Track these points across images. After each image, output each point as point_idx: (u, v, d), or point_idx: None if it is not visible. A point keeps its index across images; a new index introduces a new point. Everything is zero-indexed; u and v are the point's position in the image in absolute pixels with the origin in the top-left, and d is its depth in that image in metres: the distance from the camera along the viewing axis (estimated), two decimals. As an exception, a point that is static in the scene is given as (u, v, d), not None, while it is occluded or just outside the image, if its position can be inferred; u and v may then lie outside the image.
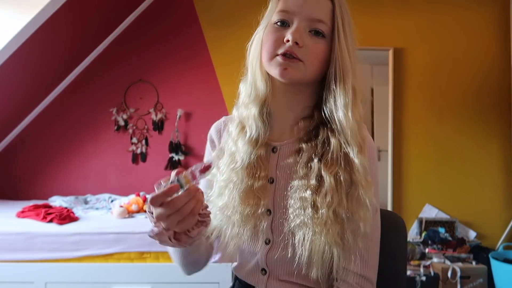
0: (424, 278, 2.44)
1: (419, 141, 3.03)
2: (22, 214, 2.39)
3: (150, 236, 0.66)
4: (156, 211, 0.62)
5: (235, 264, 0.92)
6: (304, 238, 0.72)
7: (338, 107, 0.74)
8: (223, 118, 0.93)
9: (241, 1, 3.09)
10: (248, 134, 0.81)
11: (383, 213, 0.86)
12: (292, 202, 0.75)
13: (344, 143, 0.73)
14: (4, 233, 2.14)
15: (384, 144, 3.07)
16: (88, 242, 2.13)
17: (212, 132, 0.92)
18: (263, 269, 0.83)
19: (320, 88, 0.80)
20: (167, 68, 3.18)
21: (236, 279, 0.93)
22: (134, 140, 3.18)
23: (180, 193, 0.61)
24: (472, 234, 2.93)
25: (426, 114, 3.03)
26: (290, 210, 0.75)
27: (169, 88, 3.18)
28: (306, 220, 0.72)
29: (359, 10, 3.15)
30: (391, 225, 0.91)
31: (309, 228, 0.71)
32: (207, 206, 0.71)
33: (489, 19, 3.02)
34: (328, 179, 0.72)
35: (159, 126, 3.17)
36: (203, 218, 0.69)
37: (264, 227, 0.79)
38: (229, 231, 0.78)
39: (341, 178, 0.72)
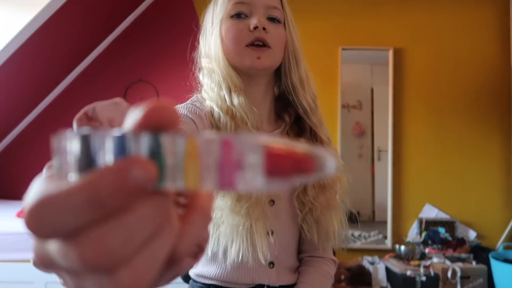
0: (424, 278, 2.44)
1: (419, 141, 3.03)
2: (22, 214, 2.39)
3: None
4: None
5: (209, 270, 0.82)
6: (307, 219, 0.78)
7: (300, 92, 0.78)
8: (190, 102, 0.84)
9: (241, 1, 3.09)
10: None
11: None
12: (311, 191, 0.80)
13: (314, 127, 0.80)
14: (4, 233, 2.14)
15: (384, 144, 3.07)
16: (88, 242, 2.13)
17: (190, 114, 0.77)
18: (271, 263, 0.81)
19: (276, 74, 0.81)
20: (167, 68, 3.18)
21: None
22: (134, 140, 3.17)
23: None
24: (472, 234, 2.93)
25: (426, 114, 3.03)
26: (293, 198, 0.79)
27: (169, 88, 3.18)
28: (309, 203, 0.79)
29: (359, 10, 3.16)
30: None
31: (311, 209, 0.79)
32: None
33: (489, 19, 3.02)
34: None
35: (159, 126, 3.17)
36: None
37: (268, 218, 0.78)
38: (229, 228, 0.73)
39: None
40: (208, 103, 0.80)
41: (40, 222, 0.18)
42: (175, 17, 3.18)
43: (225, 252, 0.74)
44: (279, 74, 0.81)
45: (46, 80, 3.05)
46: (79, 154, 0.20)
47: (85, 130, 0.20)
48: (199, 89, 0.87)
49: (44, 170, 0.23)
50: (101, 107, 0.25)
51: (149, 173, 0.18)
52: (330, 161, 0.19)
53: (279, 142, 0.19)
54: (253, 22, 0.73)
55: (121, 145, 0.19)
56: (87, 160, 0.19)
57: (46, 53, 2.79)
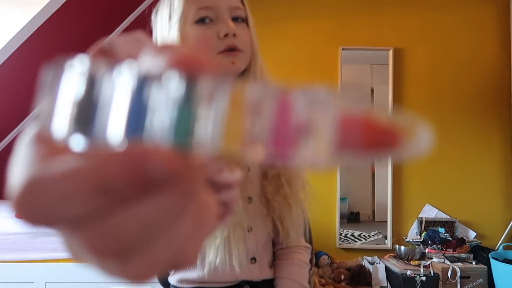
0: (424, 278, 2.44)
1: (419, 141, 3.03)
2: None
3: None
4: None
5: (190, 274, 0.81)
6: (282, 213, 0.82)
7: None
8: None
9: (241, 1, 3.09)
10: None
11: None
12: (270, 188, 0.82)
13: None
14: (4, 233, 2.14)
15: (384, 144, 3.06)
16: (88, 242, 2.13)
17: None
18: (253, 258, 0.84)
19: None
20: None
21: None
22: (134, 140, 3.17)
23: None
24: (472, 234, 2.93)
25: (426, 114, 3.02)
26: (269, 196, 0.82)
27: (169, 88, 3.18)
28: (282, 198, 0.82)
29: (359, 10, 3.16)
30: None
31: (286, 204, 0.82)
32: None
33: (489, 19, 3.02)
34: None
35: (159, 126, 3.17)
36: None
37: (248, 214, 0.82)
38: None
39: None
40: None
41: (33, 209, 0.14)
42: (175, 17, 3.18)
43: (203, 256, 0.77)
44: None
45: (46, 80, 3.05)
46: (82, 99, 0.15)
47: (97, 65, 0.16)
48: None
49: (32, 124, 0.18)
50: (121, 41, 0.20)
51: (171, 166, 0.14)
52: (422, 136, 0.15)
53: (355, 106, 0.15)
54: (223, 29, 0.70)
55: (141, 89, 0.14)
56: (92, 110, 0.15)
57: (46, 52, 2.79)
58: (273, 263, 0.90)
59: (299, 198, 0.85)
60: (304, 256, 0.90)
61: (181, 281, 0.83)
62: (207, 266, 0.77)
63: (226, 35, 0.70)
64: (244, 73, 0.78)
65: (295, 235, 0.86)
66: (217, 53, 0.71)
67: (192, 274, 0.82)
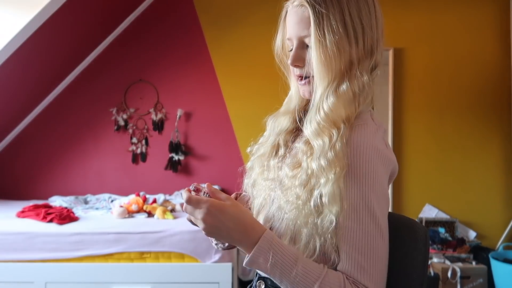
0: (424, 278, 2.44)
1: (419, 141, 3.03)
2: (22, 214, 2.39)
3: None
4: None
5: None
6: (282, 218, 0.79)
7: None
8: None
9: (241, 1, 3.09)
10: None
11: (396, 218, 0.79)
12: (264, 183, 0.87)
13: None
14: (4, 233, 2.14)
15: (384, 144, 3.06)
16: (88, 242, 2.13)
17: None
18: None
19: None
20: (167, 68, 3.18)
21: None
22: (134, 140, 3.18)
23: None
24: (472, 234, 2.93)
25: (426, 114, 3.03)
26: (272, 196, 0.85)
27: (169, 88, 3.18)
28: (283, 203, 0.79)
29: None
30: (406, 234, 0.78)
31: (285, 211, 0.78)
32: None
33: (489, 19, 3.02)
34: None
35: (159, 126, 3.17)
36: None
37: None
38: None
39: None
40: None
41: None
42: (175, 17, 3.18)
43: None
44: None
45: (46, 80, 3.05)
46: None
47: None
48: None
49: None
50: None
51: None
52: None
53: None
54: (289, 60, 0.82)
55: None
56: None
57: (46, 53, 2.79)
58: None
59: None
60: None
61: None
62: None
63: (290, 63, 0.82)
64: None
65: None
66: (294, 76, 0.84)
67: None
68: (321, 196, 0.71)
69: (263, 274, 0.79)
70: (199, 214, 0.70)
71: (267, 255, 0.68)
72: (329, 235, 0.70)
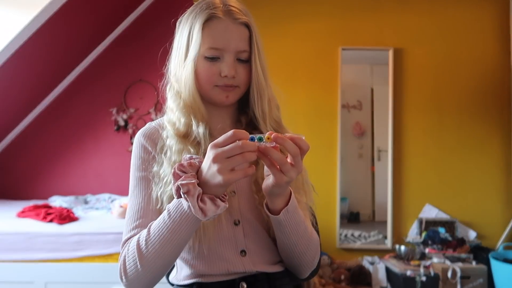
0: (424, 278, 2.44)
1: (419, 141, 3.03)
2: (22, 214, 2.39)
3: (178, 188, 0.67)
4: (218, 150, 0.66)
5: (185, 271, 0.88)
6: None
7: (260, 117, 0.90)
8: (153, 124, 0.96)
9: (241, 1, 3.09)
10: (194, 142, 0.87)
11: None
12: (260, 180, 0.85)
13: None
14: (4, 233, 2.14)
15: (384, 144, 3.07)
16: (88, 242, 2.13)
17: (144, 139, 0.92)
18: (242, 251, 0.85)
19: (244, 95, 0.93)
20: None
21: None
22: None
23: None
24: (472, 234, 2.93)
25: (426, 114, 3.03)
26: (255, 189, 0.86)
27: (169, 88, 3.18)
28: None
29: (359, 10, 3.15)
30: None
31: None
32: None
33: (489, 19, 3.02)
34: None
35: (159, 126, 3.17)
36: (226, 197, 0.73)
37: (232, 207, 0.85)
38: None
39: None
40: (165, 123, 0.92)
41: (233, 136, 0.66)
42: (175, 17, 3.18)
43: (195, 250, 0.85)
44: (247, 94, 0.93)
45: (46, 80, 3.05)
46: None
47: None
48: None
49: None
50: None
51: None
52: None
53: None
54: (224, 70, 0.84)
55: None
56: None
57: (47, 53, 2.79)
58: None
59: (298, 185, 0.87)
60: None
61: (178, 279, 0.89)
62: (201, 259, 0.85)
63: (225, 76, 0.84)
64: (247, 102, 0.93)
65: None
66: (214, 85, 0.86)
67: (186, 271, 0.87)
68: None
69: (252, 271, 0.84)
70: (299, 164, 0.70)
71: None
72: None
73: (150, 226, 0.76)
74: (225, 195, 0.71)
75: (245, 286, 0.83)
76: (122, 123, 3.17)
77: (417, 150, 3.03)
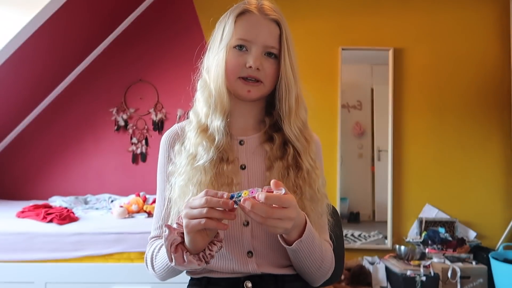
0: (424, 278, 2.44)
1: (419, 141, 3.03)
2: (22, 214, 2.39)
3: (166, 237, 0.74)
4: (204, 199, 0.69)
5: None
6: None
7: (286, 122, 0.90)
8: (175, 127, 0.98)
9: (241, 1, 3.09)
10: (211, 136, 0.89)
11: None
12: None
13: (296, 150, 0.90)
14: (4, 233, 2.14)
15: (384, 144, 3.07)
16: (88, 242, 2.13)
17: (165, 142, 0.97)
18: (249, 252, 0.86)
19: (271, 94, 0.93)
20: (167, 68, 3.18)
21: (207, 282, 0.89)
22: (134, 140, 3.18)
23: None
24: (472, 234, 2.93)
25: (426, 114, 3.03)
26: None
27: (169, 88, 3.18)
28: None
29: (359, 10, 3.15)
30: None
31: None
32: (221, 240, 0.78)
33: (489, 19, 3.02)
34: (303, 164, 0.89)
35: (159, 126, 3.17)
36: (217, 240, 0.77)
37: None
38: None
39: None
40: (190, 115, 0.95)
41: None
42: (175, 17, 3.18)
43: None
44: (273, 92, 0.94)
45: (46, 80, 3.05)
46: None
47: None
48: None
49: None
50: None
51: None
52: None
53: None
54: (250, 61, 0.86)
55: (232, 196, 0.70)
56: None
57: (46, 53, 2.79)
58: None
59: (312, 195, 0.87)
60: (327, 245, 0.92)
61: (189, 273, 0.93)
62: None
63: (250, 66, 0.86)
64: (273, 100, 0.93)
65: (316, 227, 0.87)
66: (238, 77, 0.87)
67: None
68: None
69: (254, 272, 0.85)
70: (291, 212, 0.69)
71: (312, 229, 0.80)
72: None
73: (157, 245, 0.89)
74: (210, 254, 0.74)
75: (249, 285, 0.84)
76: (122, 123, 3.17)
77: (417, 150, 3.03)
